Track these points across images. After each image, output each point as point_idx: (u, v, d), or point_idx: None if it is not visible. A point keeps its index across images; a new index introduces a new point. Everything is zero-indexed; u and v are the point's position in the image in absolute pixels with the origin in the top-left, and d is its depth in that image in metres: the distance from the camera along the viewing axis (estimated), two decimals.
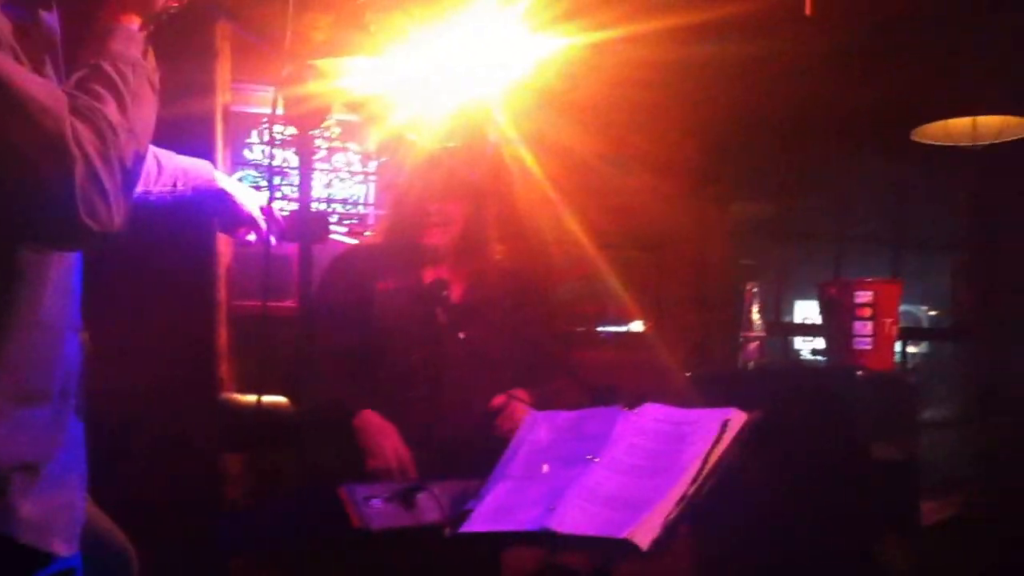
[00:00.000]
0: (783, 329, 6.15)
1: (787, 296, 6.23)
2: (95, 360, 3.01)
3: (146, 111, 1.79)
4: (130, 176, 1.72)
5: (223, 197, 2.51)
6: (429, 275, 3.40)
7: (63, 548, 1.78)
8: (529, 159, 4.37)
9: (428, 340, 3.31)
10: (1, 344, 1.71)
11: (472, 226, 3.43)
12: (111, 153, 1.68)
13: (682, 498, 2.41)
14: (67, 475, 1.81)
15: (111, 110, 1.72)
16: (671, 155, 4.93)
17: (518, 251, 3.66)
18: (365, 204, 4.72)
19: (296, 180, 4.40)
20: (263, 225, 2.54)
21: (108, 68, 1.76)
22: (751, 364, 3.85)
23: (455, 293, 3.39)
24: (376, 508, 2.70)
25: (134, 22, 1.84)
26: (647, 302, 4.61)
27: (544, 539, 2.50)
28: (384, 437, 3.21)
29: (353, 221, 4.70)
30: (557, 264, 4.63)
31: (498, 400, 3.29)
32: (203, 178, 2.55)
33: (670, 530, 2.38)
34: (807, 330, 6.40)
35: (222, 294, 4.31)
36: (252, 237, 2.70)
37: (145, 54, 1.85)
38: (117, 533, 2.95)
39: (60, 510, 1.78)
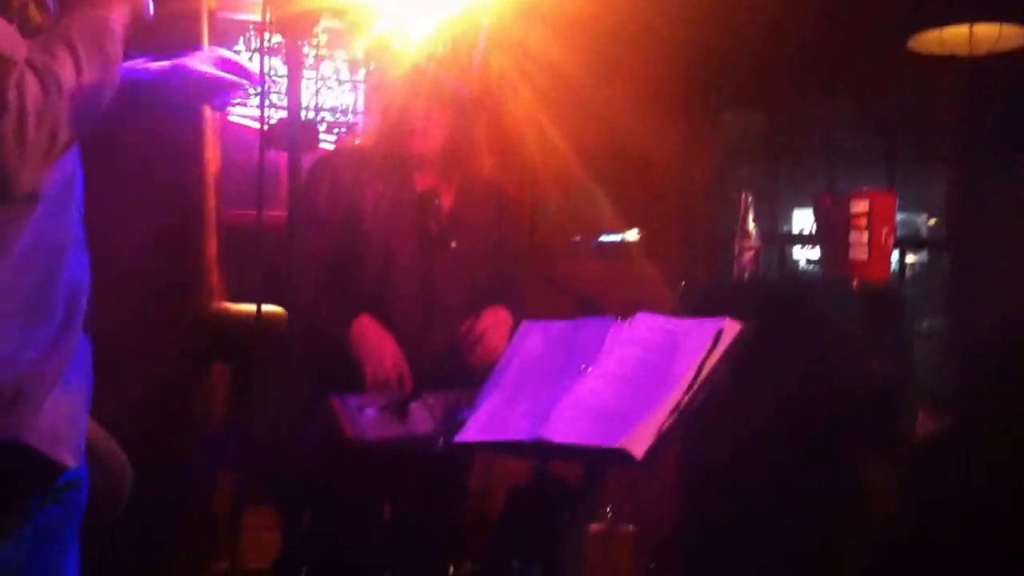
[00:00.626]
0: (779, 239, 6.12)
1: (786, 206, 6.20)
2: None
3: (100, 84, 1.73)
4: (55, 144, 1.65)
5: (176, 68, 2.34)
6: (419, 183, 3.36)
7: (71, 459, 1.78)
8: (515, 71, 4.32)
9: (418, 249, 3.27)
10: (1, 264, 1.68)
11: (459, 135, 3.37)
12: (47, 115, 1.62)
13: (675, 408, 2.40)
14: (73, 390, 1.80)
15: (66, 74, 1.66)
16: (659, 68, 4.86)
17: (504, 164, 3.62)
18: (354, 112, 4.66)
19: (284, 89, 4.33)
20: (235, 79, 2.35)
21: (75, 33, 1.70)
22: (745, 275, 3.83)
23: (444, 203, 3.35)
24: (370, 418, 2.70)
25: None
26: (635, 215, 4.56)
27: (537, 449, 2.51)
28: (383, 346, 3.14)
29: (342, 130, 4.65)
30: (543, 177, 4.59)
31: (468, 326, 3.26)
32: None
33: (663, 440, 2.38)
34: (803, 240, 6.36)
35: (211, 202, 4.27)
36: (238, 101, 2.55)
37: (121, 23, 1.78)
38: (117, 452, 2.96)
39: (68, 422, 1.78)
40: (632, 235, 4.29)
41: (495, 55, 4.26)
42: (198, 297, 4.17)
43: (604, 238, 4.41)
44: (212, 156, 4.33)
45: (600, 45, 4.61)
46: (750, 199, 3.84)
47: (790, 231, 6.42)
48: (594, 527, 2.49)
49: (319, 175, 3.35)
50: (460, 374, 3.04)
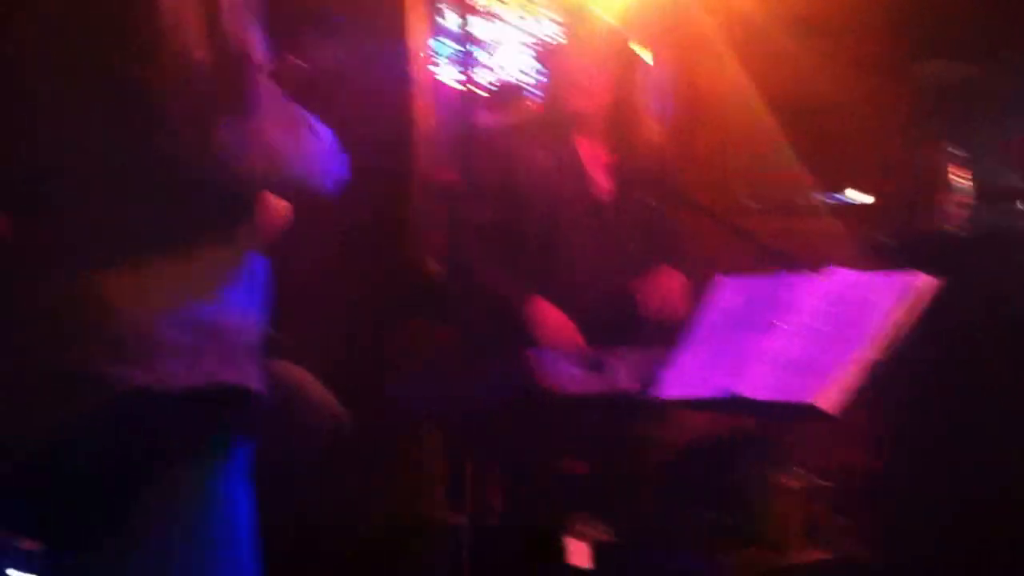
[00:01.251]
0: (990, 192, 5.87)
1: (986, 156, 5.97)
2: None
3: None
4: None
5: None
6: (581, 146, 3.34)
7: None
8: (704, 24, 4.30)
9: (582, 214, 3.26)
10: None
11: (623, 96, 3.36)
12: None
13: (867, 363, 2.42)
14: None
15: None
16: (854, 18, 4.75)
17: (694, 119, 3.59)
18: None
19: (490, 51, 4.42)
20: None
21: None
22: (944, 228, 3.75)
23: (604, 167, 3.34)
24: (567, 372, 2.78)
25: None
26: (829, 169, 4.50)
27: (731, 405, 2.56)
28: (563, 334, 3.11)
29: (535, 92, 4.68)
30: (734, 132, 4.56)
31: (641, 289, 3.24)
32: None
33: (854, 394, 2.41)
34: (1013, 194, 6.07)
35: (418, 160, 4.34)
36: None
37: None
38: (328, 399, 3.12)
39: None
40: (859, 197, 4.21)
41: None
42: (404, 253, 4.29)
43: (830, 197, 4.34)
44: (422, 115, 4.40)
45: None
46: (949, 150, 3.76)
47: (991, 182, 6.18)
48: (783, 480, 2.52)
49: (483, 144, 3.37)
50: (637, 332, 3.08)
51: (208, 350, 1.85)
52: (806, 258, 2.79)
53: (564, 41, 3.53)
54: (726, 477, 2.60)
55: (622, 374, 2.81)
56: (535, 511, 2.97)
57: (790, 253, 2.89)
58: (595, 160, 3.33)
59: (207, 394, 1.81)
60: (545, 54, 4.02)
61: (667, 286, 3.24)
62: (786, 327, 2.58)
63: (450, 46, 4.43)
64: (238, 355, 1.86)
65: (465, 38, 4.37)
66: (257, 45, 1.81)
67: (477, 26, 4.40)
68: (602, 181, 3.33)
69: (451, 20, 4.44)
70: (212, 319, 1.83)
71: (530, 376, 2.79)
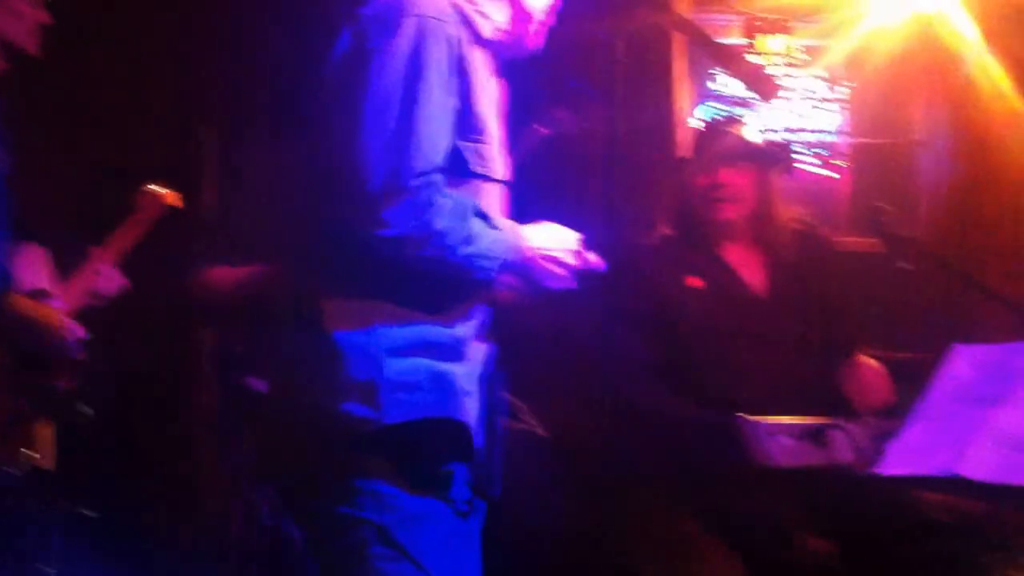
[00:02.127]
0: None
1: None
2: None
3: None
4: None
5: None
6: (730, 253, 3.17)
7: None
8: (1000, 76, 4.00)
9: (744, 332, 3.06)
10: None
11: (763, 195, 3.17)
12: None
13: None
14: None
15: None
16: None
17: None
18: (835, 132, 4.50)
19: (759, 110, 4.29)
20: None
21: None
22: None
23: (753, 267, 3.17)
24: (782, 444, 2.60)
25: None
26: None
27: (953, 486, 2.31)
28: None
29: (822, 151, 4.49)
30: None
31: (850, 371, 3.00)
32: None
33: None
34: None
35: None
36: None
37: None
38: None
39: None
40: None
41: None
42: None
43: None
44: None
45: None
46: None
47: None
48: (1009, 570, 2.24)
49: (636, 269, 3.14)
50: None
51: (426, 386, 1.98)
52: None
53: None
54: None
55: (845, 447, 2.59)
56: None
57: None
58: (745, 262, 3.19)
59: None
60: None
61: (866, 376, 2.99)
62: (1020, 400, 2.30)
63: (719, 109, 4.35)
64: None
65: (733, 101, 4.30)
66: None
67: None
68: (756, 279, 3.17)
69: (721, 83, 4.37)
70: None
71: (744, 446, 2.62)
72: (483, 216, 1.99)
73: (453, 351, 2.01)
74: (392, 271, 1.93)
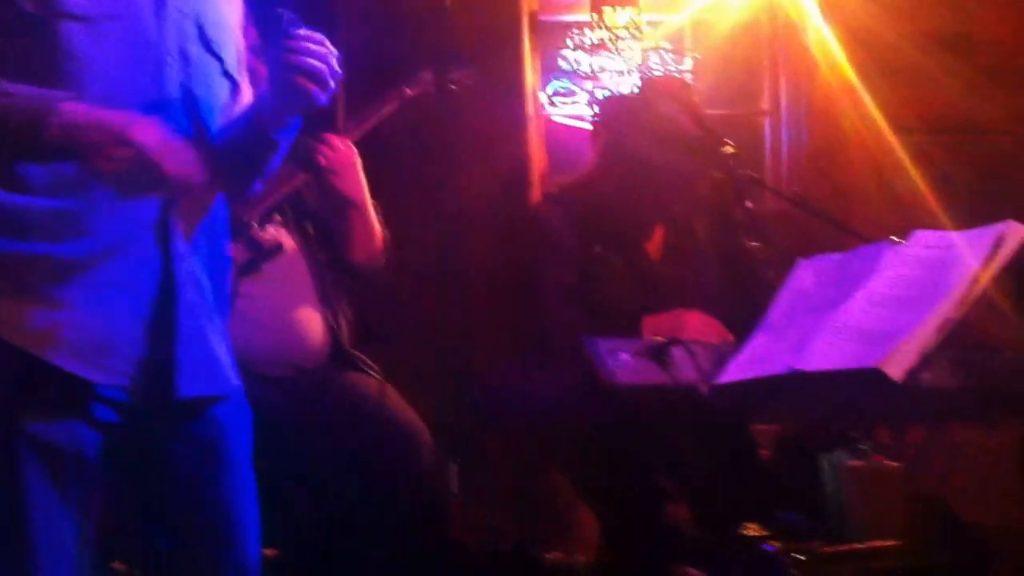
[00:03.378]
0: None
1: None
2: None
3: None
4: None
5: None
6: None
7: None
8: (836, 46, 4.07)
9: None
10: None
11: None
12: None
13: (943, 323, 2.09)
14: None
15: None
16: (1017, 34, 4.33)
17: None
18: None
19: (608, 84, 4.27)
20: None
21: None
22: None
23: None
24: (625, 362, 2.52)
25: None
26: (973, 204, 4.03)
27: (792, 382, 2.26)
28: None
29: None
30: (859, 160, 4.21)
31: None
32: None
33: (928, 359, 2.08)
34: None
35: (536, 199, 4.23)
36: None
37: None
38: (409, 415, 2.99)
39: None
40: None
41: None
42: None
43: None
44: (538, 156, 4.30)
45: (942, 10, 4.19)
46: None
47: None
48: (854, 463, 2.19)
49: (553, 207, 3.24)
50: None
51: None
52: None
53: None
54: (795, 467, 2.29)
55: (689, 366, 2.52)
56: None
57: None
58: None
59: None
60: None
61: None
62: (860, 296, 2.27)
63: (567, 84, 4.32)
64: None
65: (581, 76, 4.28)
66: None
67: (594, 63, 4.27)
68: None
69: (569, 58, 4.34)
70: None
71: (589, 367, 2.53)
72: None
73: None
74: None
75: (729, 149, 2.93)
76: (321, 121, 3.15)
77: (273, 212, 3.01)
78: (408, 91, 3.30)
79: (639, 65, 4.25)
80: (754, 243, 3.08)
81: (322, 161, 3.01)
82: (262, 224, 2.96)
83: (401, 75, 3.42)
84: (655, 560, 2.83)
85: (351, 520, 2.82)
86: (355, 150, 3.07)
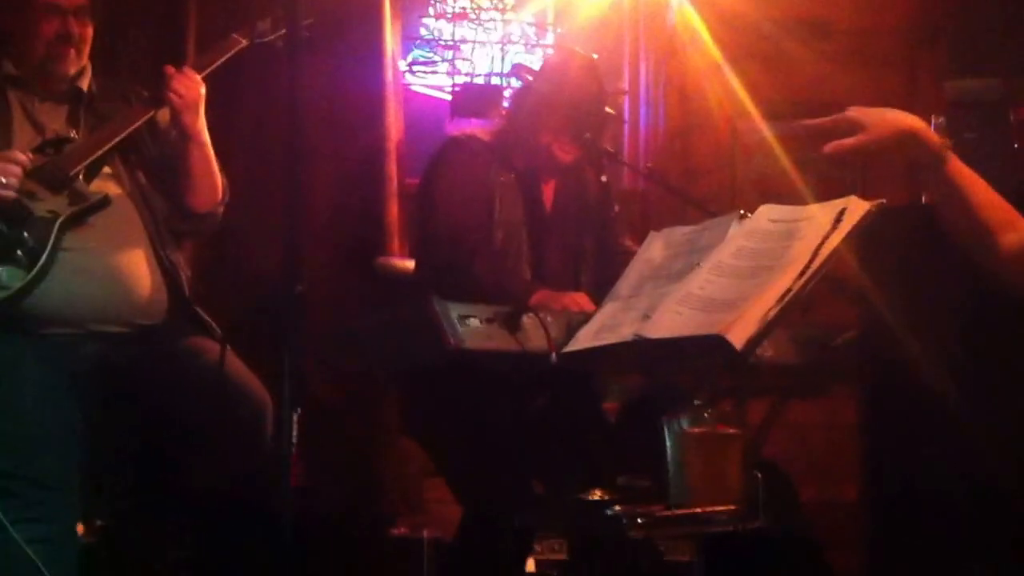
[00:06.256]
0: None
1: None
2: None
3: None
4: None
5: None
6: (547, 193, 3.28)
7: None
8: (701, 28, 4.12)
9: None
10: None
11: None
12: None
13: (784, 293, 2.13)
14: None
15: None
16: (877, 21, 4.46)
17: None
18: None
19: (468, 55, 4.27)
20: None
21: None
22: None
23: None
24: (474, 328, 2.50)
25: None
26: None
27: (640, 353, 2.28)
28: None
29: None
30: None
31: None
32: None
33: (768, 328, 2.11)
34: None
35: (392, 169, 4.22)
36: None
37: None
38: (254, 384, 2.92)
39: None
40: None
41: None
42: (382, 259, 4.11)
43: None
44: (395, 125, 4.28)
45: None
46: None
47: None
48: (695, 430, 2.22)
49: (455, 155, 3.22)
50: None
51: None
52: None
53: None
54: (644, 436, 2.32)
55: (540, 334, 2.51)
56: None
57: None
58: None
59: None
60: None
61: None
62: (705, 267, 2.30)
63: (427, 53, 4.32)
64: None
65: (441, 45, 4.28)
66: None
67: (455, 33, 4.27)
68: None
69: (430, 26, 4.33)
70: None
71: (436, 331, 2.50)
72: None
73: None
74: None
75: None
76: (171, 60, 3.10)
77: (102, 164, 2.91)
78: (241, 39, 3.18)
79: (500, 37, 4.27)
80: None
81: (173, 94, 2.93)
82: (88, 176, 2.86)
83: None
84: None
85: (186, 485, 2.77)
86: (203, 84, 2.99)
